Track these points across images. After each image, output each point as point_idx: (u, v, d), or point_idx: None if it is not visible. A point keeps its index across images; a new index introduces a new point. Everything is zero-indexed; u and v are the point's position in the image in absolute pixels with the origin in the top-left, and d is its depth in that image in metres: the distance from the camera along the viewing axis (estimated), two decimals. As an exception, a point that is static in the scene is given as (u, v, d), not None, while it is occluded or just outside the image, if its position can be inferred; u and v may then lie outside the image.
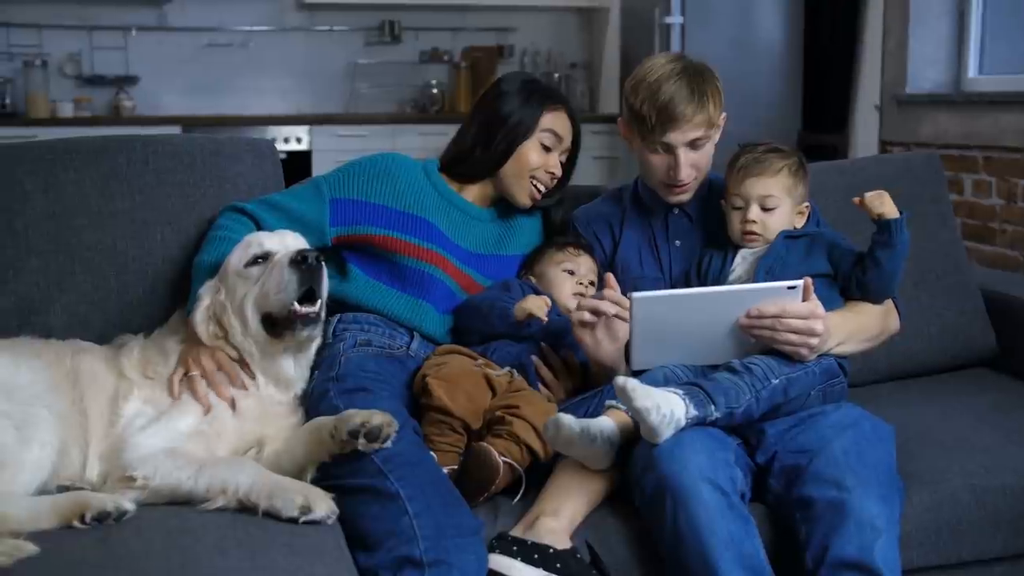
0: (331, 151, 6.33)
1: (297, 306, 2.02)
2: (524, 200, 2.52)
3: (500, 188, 2.53)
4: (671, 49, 5.61)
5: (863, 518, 1.89)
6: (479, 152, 2.50)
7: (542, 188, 2.51)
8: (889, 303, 2.35)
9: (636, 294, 2.08)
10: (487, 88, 2.62)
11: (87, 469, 1.97)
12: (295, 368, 2.15)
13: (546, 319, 2.32)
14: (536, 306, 2.33)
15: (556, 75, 7.13)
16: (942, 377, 2.77)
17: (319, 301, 2.05)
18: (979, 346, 2.84)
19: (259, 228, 2.30)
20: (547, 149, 2.50)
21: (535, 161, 2.49)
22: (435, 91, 7.10)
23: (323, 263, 2.07)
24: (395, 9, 7.03)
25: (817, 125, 5.76)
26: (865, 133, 5.58)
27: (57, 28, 6.57)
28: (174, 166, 2.43)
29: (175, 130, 6.08)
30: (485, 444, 2.05)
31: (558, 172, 2.53)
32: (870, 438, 2.05)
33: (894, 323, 2.39)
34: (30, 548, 1.67)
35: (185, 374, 2.08)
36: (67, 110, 6.40)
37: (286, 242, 2.16)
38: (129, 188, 2.39)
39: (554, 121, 2.50)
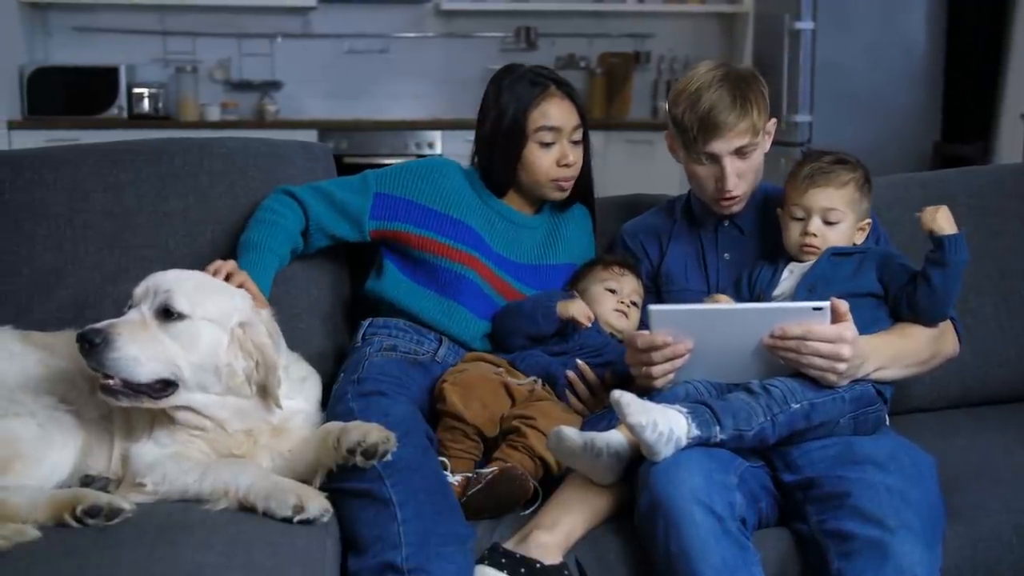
0: (462, 156, 6.32)
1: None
2: (554, 196, 2.49)
3: (527, 192, 2.50)
4: (800, 56, 5.43)
5: (904, 564, 1.77)
6: (491, 167, 2.49)
7: (563, 184, 2.46)
8: (945, 324, 2.21)
9: (653, 306, 2.02)
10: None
11: (112, 463, 2.02)
12: (228, 404, 1.99)
13: (587, 324, 2.28)
14: (579, 311, 2.30)
15: (693, 82, 7.00)
16: (1020, 405, 2.58)
17: (112, 376, 1.90)
18: (1063, 373, 2.63)
19: (305, 213, 2.37)
20: (549, 144, 2.42)
21: (544, 163, 2.43)
22: (570, 98, 7.05)
23: (100, 344, 1.88)
24: (532, 15, 7.03)
25: (957, 135, 5.47)
26: (1009, 144, 5.27)
27: (210, 36, 6.85)
28: (227, 168, 2.50)
29: (312, 134, 6.27)
30: (520, 468, 2.00)
31: (573, 159, 2.45)
32: (911, 474, 1.92)
33: (951, 346, 2.25)
34: (33, 533, 1.74)
35: None
36: (214, 114, 6.67)
37: (149, 284, 2.02)
38: (183, 189, 2.47)
39: (545, 115, 2.41)
